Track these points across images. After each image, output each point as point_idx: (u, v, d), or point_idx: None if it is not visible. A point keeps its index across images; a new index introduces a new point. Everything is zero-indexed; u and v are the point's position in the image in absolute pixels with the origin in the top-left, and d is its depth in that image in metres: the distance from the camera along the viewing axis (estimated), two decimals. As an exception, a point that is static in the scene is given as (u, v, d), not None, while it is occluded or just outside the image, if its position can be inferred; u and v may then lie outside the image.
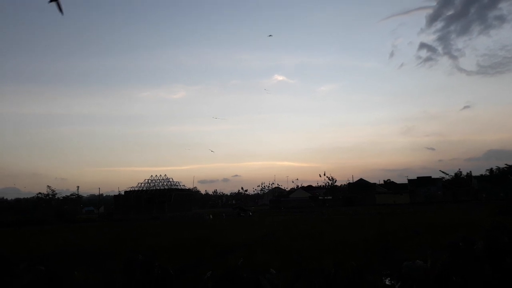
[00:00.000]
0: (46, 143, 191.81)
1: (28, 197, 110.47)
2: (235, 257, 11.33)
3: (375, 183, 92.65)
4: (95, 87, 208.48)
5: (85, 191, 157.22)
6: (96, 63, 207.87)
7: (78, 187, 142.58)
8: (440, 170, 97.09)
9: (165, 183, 79.43)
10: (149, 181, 79.83)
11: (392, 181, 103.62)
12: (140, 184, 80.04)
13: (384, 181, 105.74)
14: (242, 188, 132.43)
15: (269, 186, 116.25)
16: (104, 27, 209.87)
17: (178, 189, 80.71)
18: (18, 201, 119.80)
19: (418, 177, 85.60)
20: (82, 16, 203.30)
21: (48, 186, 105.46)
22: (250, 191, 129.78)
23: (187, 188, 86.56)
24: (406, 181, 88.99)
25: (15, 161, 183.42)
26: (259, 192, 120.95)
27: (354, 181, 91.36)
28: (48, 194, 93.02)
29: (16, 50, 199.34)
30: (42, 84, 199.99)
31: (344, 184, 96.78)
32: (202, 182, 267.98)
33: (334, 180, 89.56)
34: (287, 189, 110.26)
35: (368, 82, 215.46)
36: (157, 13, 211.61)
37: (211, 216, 49.10)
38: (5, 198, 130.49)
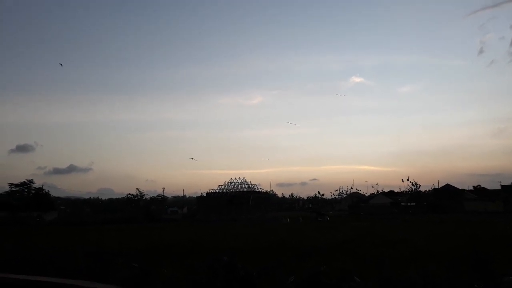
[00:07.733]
0: (137, 147, 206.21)
1: (120, 197, 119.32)
2: (314, 262, 10.96)
3: (463, 189, 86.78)
4: (179, 94, 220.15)
5: (170, 192, 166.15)
6: (179, 72, 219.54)
7: (163, 188, 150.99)
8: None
9: (244, 186, 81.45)
10: (229, 183, 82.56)
11: (483, 187, 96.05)
12: (220, 186, 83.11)
13: (473, 187, 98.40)
14: (319, 192, 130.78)
15: (347, 191, 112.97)
16: (186, 38, 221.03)
17: (256, 191, 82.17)
18: (111, 201, 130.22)
19: (513, 183, 79.19)
20: (168, 29, 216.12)
21: (137, 188, 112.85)
22: (328, 196, 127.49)
23: (264, 191, 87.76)
24: (499, 187, 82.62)
25: (111, 164, 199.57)
26: (337, 196, 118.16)
27: (440, 186, 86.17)
28: (137, 195, 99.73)
29: (110, 64, 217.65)
30: (134, 94, 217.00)
31: (429, 190, 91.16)
32: (280, 185, 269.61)
33: (418, 185, 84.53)
34: (366, 194, 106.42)
35: (453, 81, 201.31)
36: (236, 22, 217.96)
37: (287, 219, 49.11)
38: (100, 198, 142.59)
